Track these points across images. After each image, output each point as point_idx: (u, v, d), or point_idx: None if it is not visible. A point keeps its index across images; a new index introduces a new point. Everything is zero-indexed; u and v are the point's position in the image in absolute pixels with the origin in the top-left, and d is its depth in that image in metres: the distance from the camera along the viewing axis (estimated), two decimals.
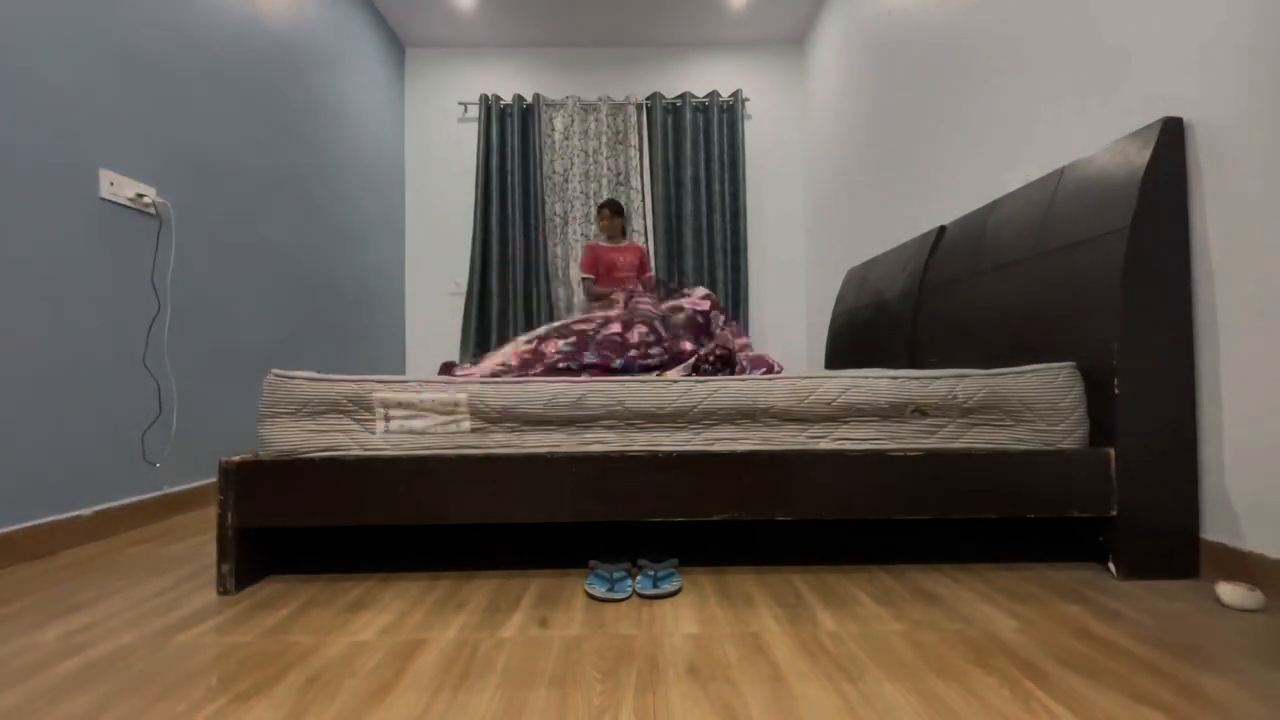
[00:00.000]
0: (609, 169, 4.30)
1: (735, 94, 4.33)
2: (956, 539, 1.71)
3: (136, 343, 2.05)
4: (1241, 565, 1.33)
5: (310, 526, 1.46)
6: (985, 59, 2.26)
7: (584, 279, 3.61)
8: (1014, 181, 2.10)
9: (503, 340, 4.27)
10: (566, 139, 4.32)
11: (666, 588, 1.32)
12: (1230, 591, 1.24)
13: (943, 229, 2.45)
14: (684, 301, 2.08)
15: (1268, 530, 1.30)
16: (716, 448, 1.44)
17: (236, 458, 1.40)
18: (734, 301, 4.30)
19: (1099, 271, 1.51)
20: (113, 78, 1.98)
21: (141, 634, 1.16)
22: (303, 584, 1.43)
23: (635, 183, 4.23)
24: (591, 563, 1.46)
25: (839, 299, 3.45)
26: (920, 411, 1.48)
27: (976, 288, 2.07)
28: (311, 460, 1.40)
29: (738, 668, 1.00)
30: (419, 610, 1.26)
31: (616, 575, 1.37)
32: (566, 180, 4.30)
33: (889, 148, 3.08)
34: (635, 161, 4.25)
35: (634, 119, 4.27)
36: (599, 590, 1.31)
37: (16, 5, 1.68)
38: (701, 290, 2.15)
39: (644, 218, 4.24)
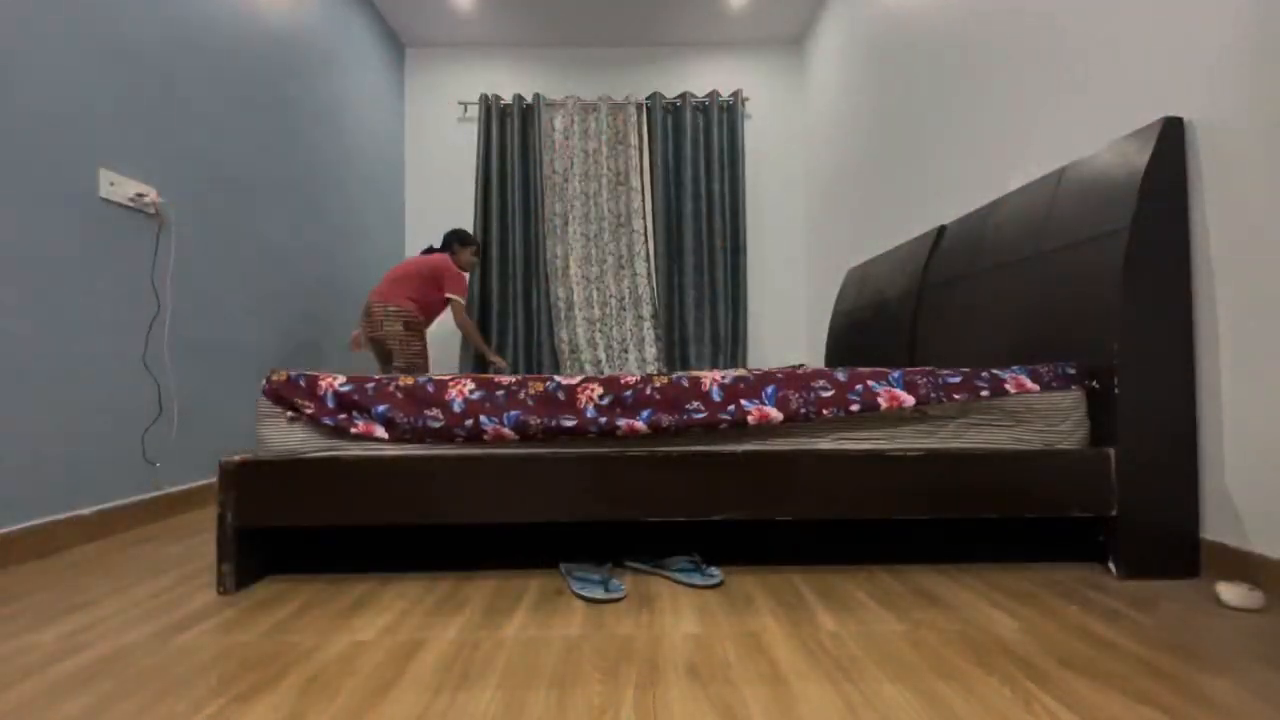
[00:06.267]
0: (609, 169, 4.29)
1: (735, 94, 4.33)
2: (956, 539, 1.71)
3: (136, 343, 2.05)
4: (1242, 565, 1.33)
5: (310, 526, 1.46)
6: (986, 58, 2.26)
7: (457, 301, 3.11)
8: (1014, 181, 2.10)
9: (502, 341, 4.27)
10: (566, 139, 4.32)
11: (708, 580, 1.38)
12: (1230, 591, 1.24)
13: (943, 229, 2.45)
14: None
15: (1268, 530, 1.30)
16: (717, 448, 1.44)
17: (236, 458, 1.40)
18: (734, 301, 4.30)
19: (1099, 271, 1.51)
20: (113, 78, 1.97)
21: (141, 634, 1.16)
22: (303, 584, 1.43)
23: (635, 183, 4.23)
24: (563, 566, 1.46)
25: (839, 299, 3.45)
26: (921, 412, 1.48)
27: (976, 288, 2.07)
28: (311, 460, 1.40)
29: (738, 668, 1.00)
30: (419, 610, 1.26)
31: (600, 577, 1.37)
32: (566, 180, 4.30)
33: (889, 148, 3.08)
34: (635, 161, 4.24)
35: (634, 119, 4.27)
36: (598, 594, 1.30)
37: (17, 5, 1.68)
38: None
39: (644, 218, 4.23)
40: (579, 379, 1.46)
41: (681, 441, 1.45)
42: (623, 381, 1.46)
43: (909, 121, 2.86)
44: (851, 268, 3.43)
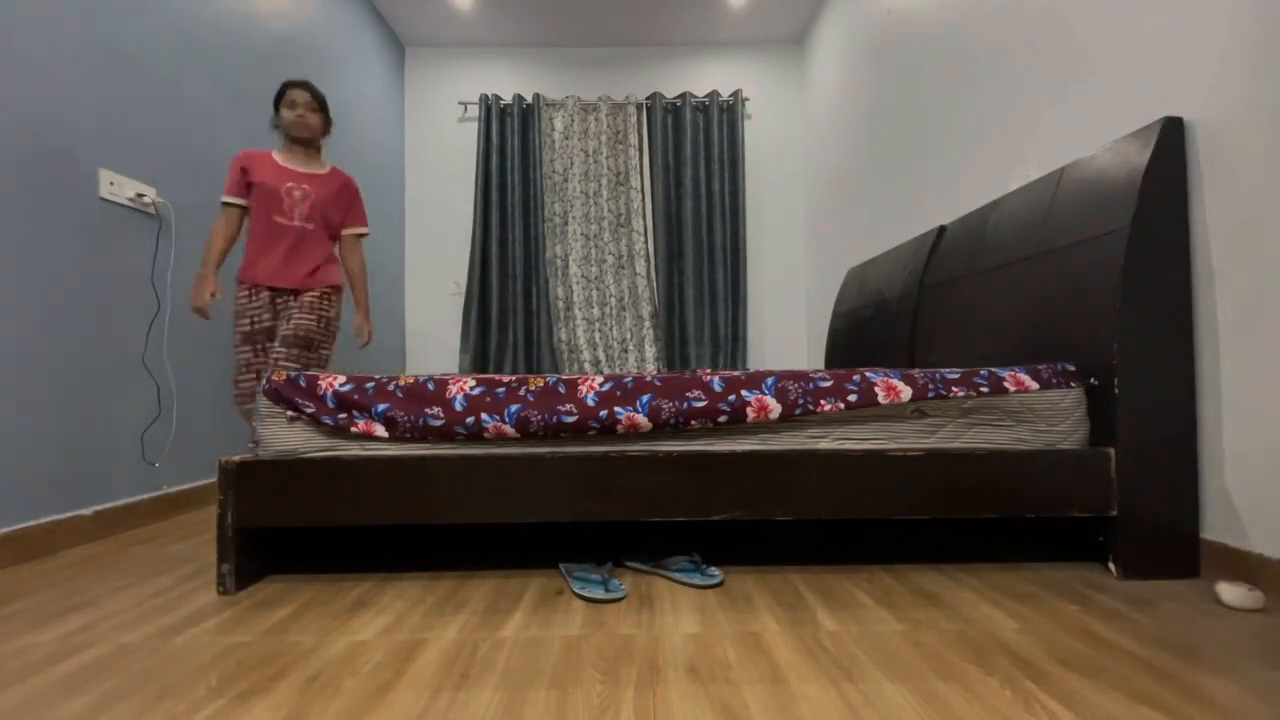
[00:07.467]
0: (609, 169, 4.29)
1: (735, 94, 4.33)
2: (956, 539, 1.71)
3: (136, 343, 2.05)
4: (1242, 565, 1.33)
5: (310, 526, 1.46)
6: (985, 58, 2.26)
7: (224, 204, 2.04)
8: (1014, 181, 2.10)
9: (502, 340, 4.27)
10: (566, 139, 4.32)
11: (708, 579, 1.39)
12: (1230, 591, 1.24)
13: (943, 229, 2.45)
14: None
15: (1268, 530, 1.30)
16: (717, 448, 1.44)
17: (236, 458, 1.40)
18: (734, 301, 4.30)
19: (1099, 271, 1.51)
20: (112, 78, 1.97)
21: (141, 634, 1.16)
22: (303, 584, 1.43)
23: (635, 183, 4.23)
24: (563, 566, 1.46)
25: (839, 299, 3.45)
26: (920, 411, 1.48)
27: (976, 288, 2.07)
28: (311, 460, 1.40)
29: (738, 668, 1.00)
30: (419, 610, 1.26)
31: (600, 577, 1.37)
32: (566, 180, 4.30)
33: (889, 148, 3.08)
34: (635, 161, 4.25)
35: (634, 119, 4.27)
36: (598, 593, 1.30)
37: (17, 5, 1.68)
38: None
39: (644, 218, 4.23)
40: (579, 376, 1.49)
41: (681, 441, 1.45)
42: (624, 377, 1.49)
43: (909, 121, 2.86)
44: (851, 268, 3.43)
